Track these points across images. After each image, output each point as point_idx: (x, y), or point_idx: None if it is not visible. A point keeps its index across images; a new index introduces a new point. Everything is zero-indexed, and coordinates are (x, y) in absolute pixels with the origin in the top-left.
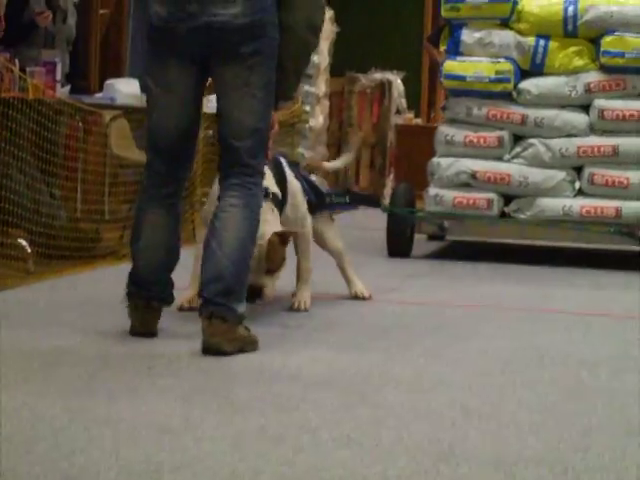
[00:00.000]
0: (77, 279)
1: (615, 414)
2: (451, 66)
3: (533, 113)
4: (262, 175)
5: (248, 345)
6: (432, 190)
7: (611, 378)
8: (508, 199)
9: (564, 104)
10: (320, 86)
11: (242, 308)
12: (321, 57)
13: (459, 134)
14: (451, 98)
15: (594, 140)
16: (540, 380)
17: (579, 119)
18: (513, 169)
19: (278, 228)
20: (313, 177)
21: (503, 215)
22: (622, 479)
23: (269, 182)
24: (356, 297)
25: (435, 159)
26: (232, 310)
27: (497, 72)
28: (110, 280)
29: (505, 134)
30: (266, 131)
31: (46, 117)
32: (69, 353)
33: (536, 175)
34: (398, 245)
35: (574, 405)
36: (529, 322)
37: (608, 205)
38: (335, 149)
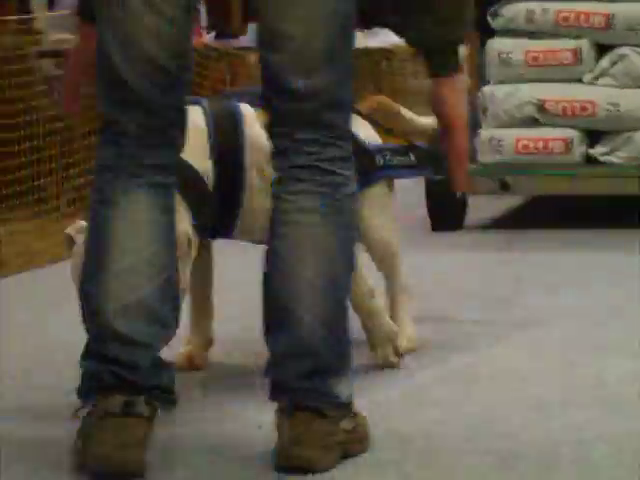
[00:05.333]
0: None
1: None
2: None
3: (623, 11)
4: (350, 141)
5: (354, 445)
6: (486, 132)
7: None
8: (594, 137)
9: None
10: None
11: (348, 388)
12: None
13: (518, 49)
14: None
15: None
16: None
17: None
18: (598, 94)
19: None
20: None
21: (589, 160)
22: None
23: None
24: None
25: (487, 88)
26: (333, 397)
27: None
28: None
29: (584, 44)
30: (352, 59)
31: (195, 63)
32: None
33: (632, 100)
34: (444, 214)
35: None
36: None
37: None
38: None
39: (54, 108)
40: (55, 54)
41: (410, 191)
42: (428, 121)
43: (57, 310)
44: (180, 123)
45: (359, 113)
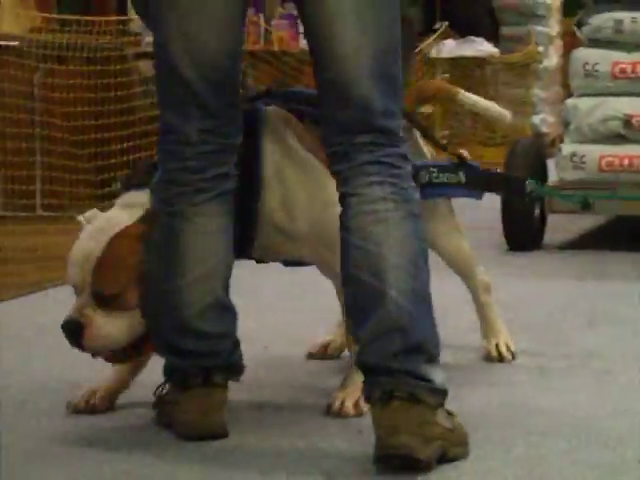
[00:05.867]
0: None
1: None
2: None
3: None
4: (406, 143)
5: (454, 447)
6: (567, 147)
7: None
8: None
9: None
10: (553, 26)
11: (441, 375)
12: None
13: (605, 61)
14: (592, 6)
15: None
16: None
17: None
18: None
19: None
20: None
21: None
22: None
23: None
24: (489, 357)
25: (571, 100)
26: (428, 381)
27: None
28: None
29: None
30: (400, 70)
31: (290, 67)
32: None
33: None
34: (520, 233)
35: None
36: None
37: None
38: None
39: (151, 109)
40: (153, 55)
41: (486, 209)
42: (497, 109)
43: None
44: (236, 122)
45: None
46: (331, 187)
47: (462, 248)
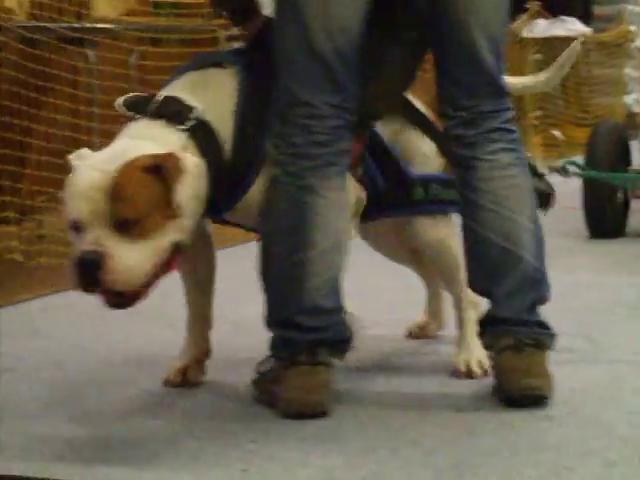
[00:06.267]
0: None
1: None
2: None
3: None
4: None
5: (552, 387)
6: None
7: None
8: None
9: None
10: None
11: None
12: None
13: None
14: None
15: None
16: None
17: None
18: None
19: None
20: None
21: None
22: None
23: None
24: (455, 373)
25: None
26: (548, 329)
27: None
28: None
29: None
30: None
31: None
32: None
33: None
34: (602, 220)
35: None
36: None
37: None
38: None
39: None
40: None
41: (567, 195)
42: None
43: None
44: (357, 99)
45: (415, 114)
46: None
47: (453, 257)
